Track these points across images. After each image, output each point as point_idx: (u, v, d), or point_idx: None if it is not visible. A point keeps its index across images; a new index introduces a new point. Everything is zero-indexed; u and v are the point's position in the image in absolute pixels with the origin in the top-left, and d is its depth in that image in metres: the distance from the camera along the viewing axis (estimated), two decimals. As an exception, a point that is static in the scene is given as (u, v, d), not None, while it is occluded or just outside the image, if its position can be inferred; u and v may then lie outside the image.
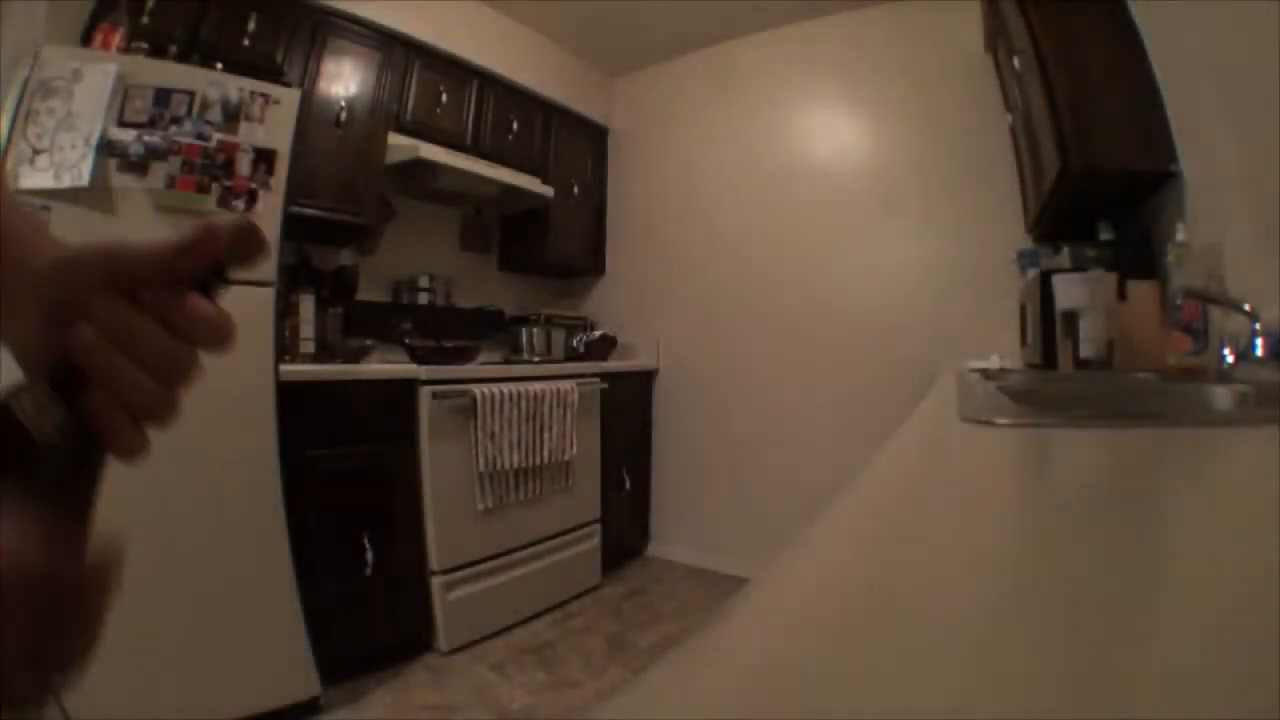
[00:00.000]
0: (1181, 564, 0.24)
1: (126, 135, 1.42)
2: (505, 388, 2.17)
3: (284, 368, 1.66)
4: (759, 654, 0.19)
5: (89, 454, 0.29)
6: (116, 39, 1.58)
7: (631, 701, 0.16)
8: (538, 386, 2.29)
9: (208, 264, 0.31)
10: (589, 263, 3.26)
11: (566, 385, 2.41)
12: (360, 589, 1.83)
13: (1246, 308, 0.99)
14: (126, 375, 0.28)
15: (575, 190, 3.11)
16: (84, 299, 0.29)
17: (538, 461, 2.29)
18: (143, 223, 1.45)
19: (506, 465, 2.17)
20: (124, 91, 1.43)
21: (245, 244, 0.31)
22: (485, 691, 1.82)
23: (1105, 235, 1.77)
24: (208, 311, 0.31)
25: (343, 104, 2.16)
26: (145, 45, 1.61)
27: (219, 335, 0.31)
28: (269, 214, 1.63)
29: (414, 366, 2.06)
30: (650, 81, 3.27)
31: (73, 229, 1.37)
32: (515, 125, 2.80)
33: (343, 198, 2.15)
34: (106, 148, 1.40)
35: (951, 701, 0.14)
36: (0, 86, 1.46)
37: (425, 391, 2.00)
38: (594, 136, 3.29)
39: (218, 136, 1.54)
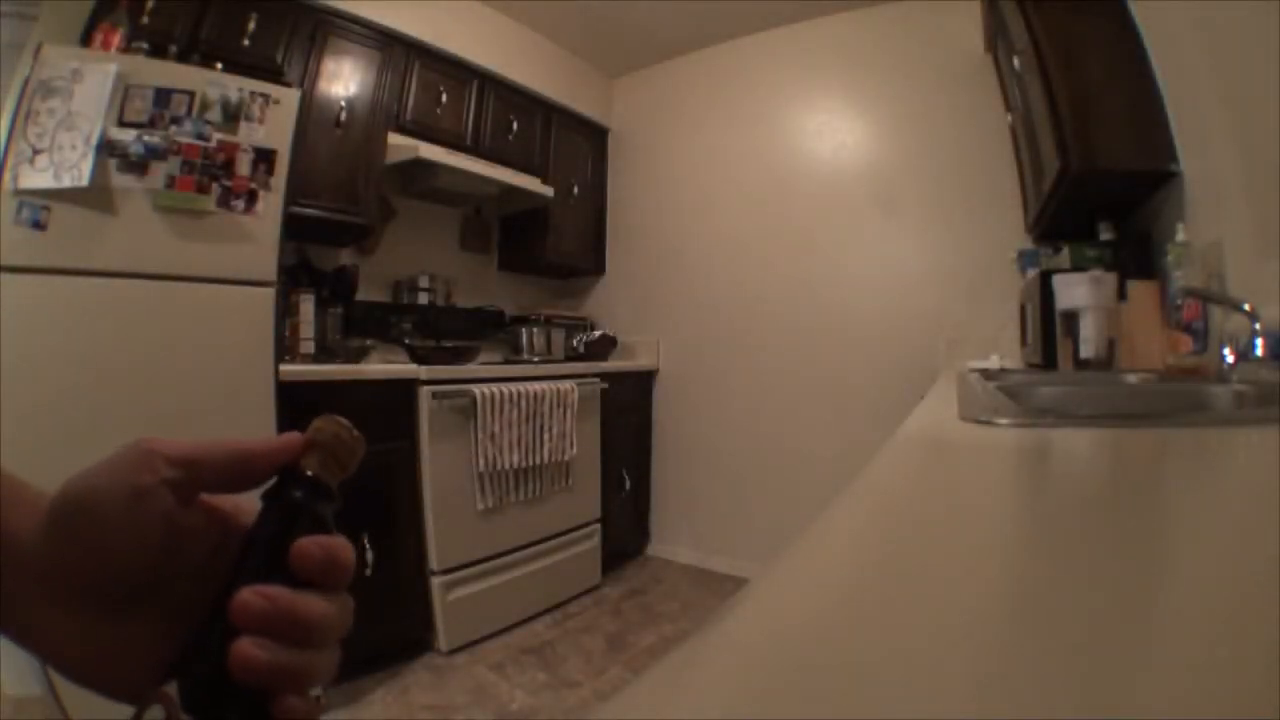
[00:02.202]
0: (1182, 564, 0.24)
1: (126, 135, 1.42)
2: (505, 388, 2.17)
3: (284, 368, 1.66)
4: (759, 654, 0.19)
5: None
6: (116, 39, 1.57)
7: (631, 701, 0.16)
8: (538, 386, 2.29)
9: (273, 468, 0.27)
10: (589, 263, 3.26)
11: (566, 385, 2.41)
12: (360, 589, 1.81)
13: (1246, 308, 0.99)
14: (310, 669, 0.25)
15: (575, 190, 3.11)
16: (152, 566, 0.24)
17: (538, 461, 2.28)
18: (143, 223, 1.45)
19: (506, 465, 2.17)
20: (124, 91, 1.43)
21: (327, 442, 0.28)
22: (485, 691, 1.82)
23: (1105, 235, 1.77)
24: (349, 549, 0.27)
25: (343, 104, 2.16)
26: (145, 45, 1.61)
27: (346, 568, 0.27)
28: (269, 214, 1.63)
29: (414, 366, 2.06)
30: (650, 81, 3.27)
31: (73, 229, 1.38)
32: (515, 125, 2.80)
33: (343, 198, 2.15)
34: (106, 148, 1.39)
35: (952, 701, 0.14)
36: (0, 87, 1.46)
37: (425, 391, 2.00)
38: (594, 136, 3.29)
39: (218, 136, 1.54)
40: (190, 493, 0.26)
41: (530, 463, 2.26)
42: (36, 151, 1.35)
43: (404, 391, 1.99)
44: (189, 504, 0.26)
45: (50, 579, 0.24)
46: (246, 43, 1.91)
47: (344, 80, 2.19)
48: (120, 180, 1.42)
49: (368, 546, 1.84)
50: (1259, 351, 0.98)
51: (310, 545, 0.25)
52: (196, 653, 0.24)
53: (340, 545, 0.26)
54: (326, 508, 0.27)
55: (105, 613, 0.24)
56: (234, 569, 0.25)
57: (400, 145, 2.31)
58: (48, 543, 0.24)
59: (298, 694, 0.24)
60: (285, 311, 1.96)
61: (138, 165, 1.44)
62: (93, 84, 1.39)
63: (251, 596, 0.24)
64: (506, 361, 2.67)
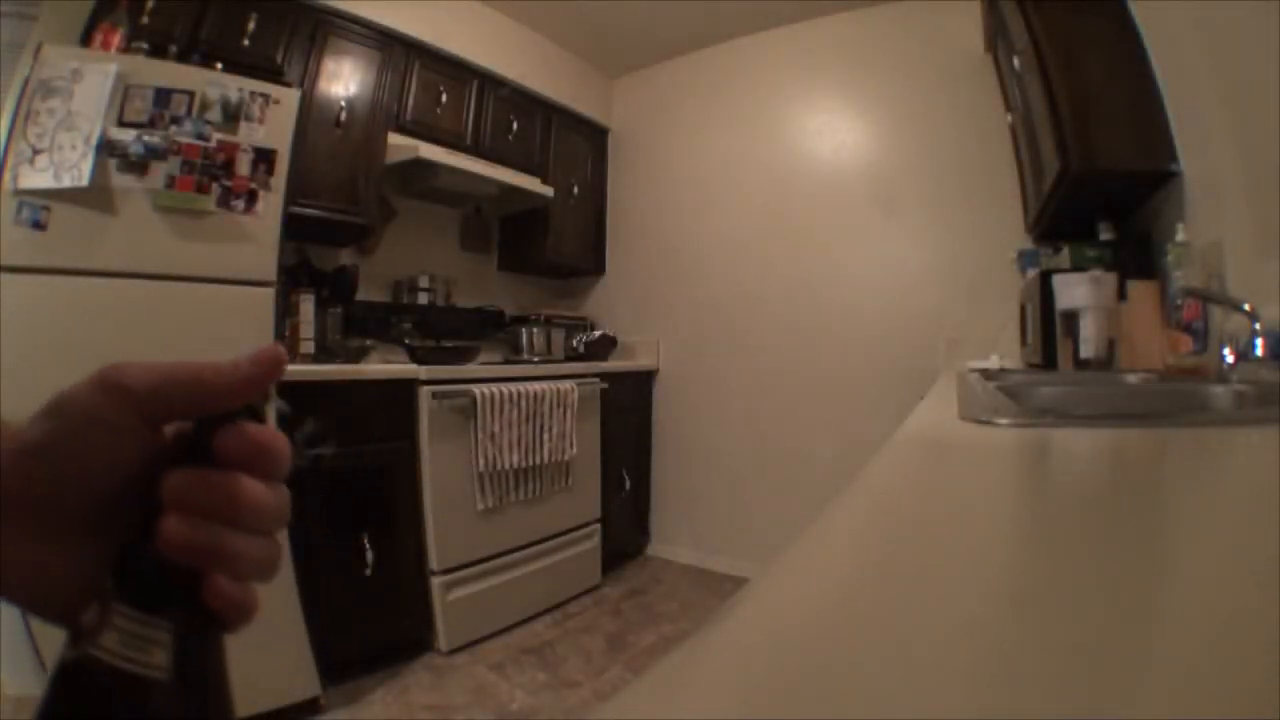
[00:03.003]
0: (1182, 564, 0.24)
1: (126, 135, 1.42)
2: (505, 388, 2.17)
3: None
4: (758, 654, 0.19)
5: (208, 648, 0.24)
6: (116, 39, 1.58)
7: (631, 701, 0.16)
8: (538, 386, 2.29)
9: (273, 382, 0.27)
10: (589, 263, 3.26)
11: (566, 385, 2.41)
12: (360, 589, 1.83)
13: (1246, 308, 0.99)
14: (238, 550, 0.25)
15: (575, 190, 3.11)
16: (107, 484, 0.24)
17: (538, 461, 2.28)
18: (143, 223, 1.45)
19: (506, 465, 2.17)
20: (124, 91, 1.43)
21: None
22: (485, 691, 1.82)
23: (1105, 235, 1.77)
24: (281, 437, 0.27)
25: (343, 104, 2.16)
26: (145, 45, 1.61)
27: (275, 456, 0.26)
28: (269, 214, 1.63)
29: (414, 366, 2.06)
30: (650, 81, 3.27)
31: (73, 229, 1.38)
32: (515, 125, 2.80)
33: (343, 198, 2.15)
34: (106, 148, 1.40)
35: (952, 702, 0.14)
36: (0, 86, 1.46)
37: (425, 391, 2.00)
38: (594, 136, 3.29)
39: (218, 136, 1.54)
40: (157, 425, 0.26)
41: (530, 463, 2.26)
42: (36, 151, 1.35)
43: (404, 391, 1.99)
44: (157, 433, 0.26)
45: (21, 501, 0.23)
46: (246, 43, 1.91)
47: (344, 80, 2.19)
48: (120, 180, 1.43)
49: (368, 546, 1.84)
50: (1259, 351, 0.98)
51: (230, 435, 0.25)
52: (130, 542, 0.24)
53: (267, 433, 0.26)
54: (261, 403, 0.27)
55: (73, 535, 0.24)
56: (169, 462, 0.25)
57: (400, 145, 2.31)
58: (19, 465, 0.23)
59: (230, 577, 0.24)
60: (285, 311, 1.96)
61: (138, 165, 1.44)
62: (93, 84, 1.39)
63: (178, 474, 0.24)
64: (506, 361, 2.67)
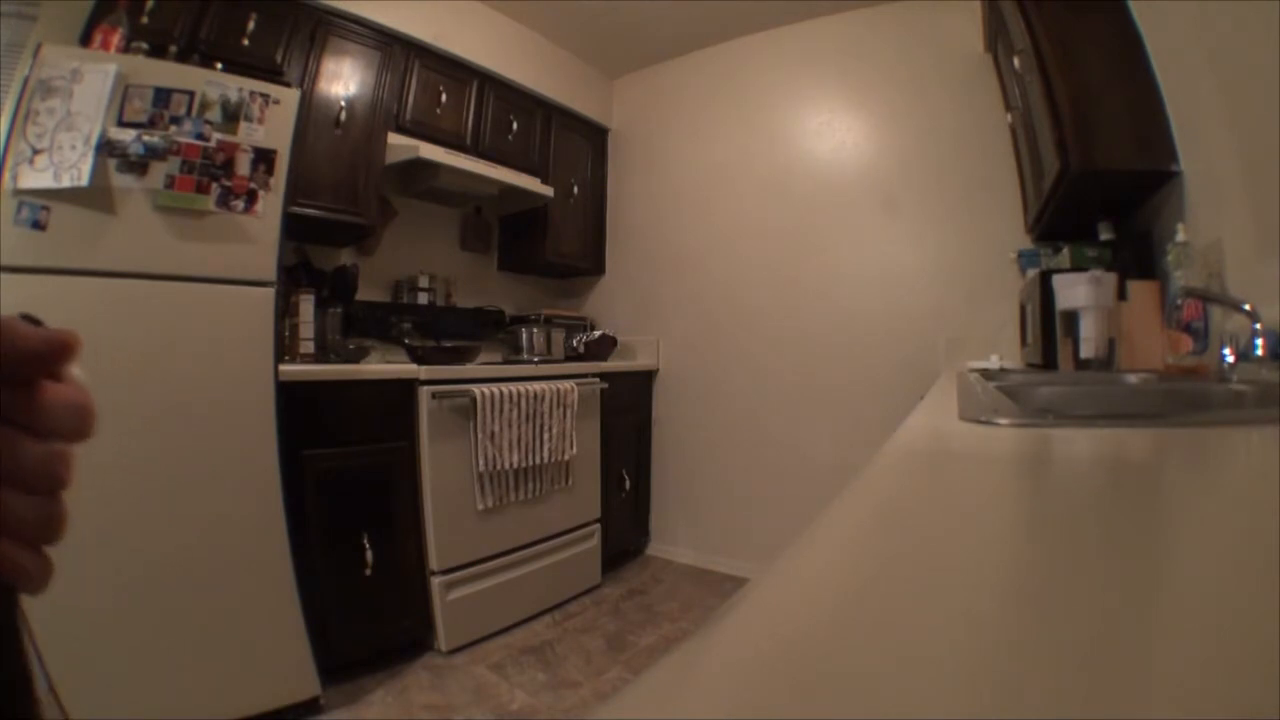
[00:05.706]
0: (1182, 564, 0.24)
1: (126, 135, 1.42)
2: (505, 388, 2.17)
3: (284, 368, 1.66)
4: (758, 654, 0.19)
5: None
6: (116, 39, 1.57)
7: (631, 701, 0.16)
8: (538, 386, 2.29)
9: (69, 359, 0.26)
10: (589, 263, 3.26)
11: (566, 385, 2.41)
12: (360, 589, 1.83)
13: (1246, 308, 0.99)
14: (9, 510, 0.24)
15: (575, 190, 3.11)
16: None
17: (538, 461, 2.29)
18: (142, 223, 1.45)
19: (506, 465, 2.17)
20: (124, 91, 1.43)
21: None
22: (485, 691, 1.82)
23: (1105, 235, 1.77)
24: (72, 395, 0.26)
25: (343, 104, 2.16)
26: (145, 45, 1.61)
27: (85, 420, 0.26)
28: (269, 214, 1.63)
29: (414, 366, 2.06)
30: (650, 81, 3.27)
31: (73, 229, 1.38)
32: (515, 125, 2.80)
33: (343, 198, 2.15)
34: (106, 147, 1.39)
35: (951, 703, 0.14)
36: (0, 87, 1.46)
37: (425, 391, 2.00)
38: (594, 136, 3.29)
39: (217, 136, 1.54)
40: None
41: (530, 463, 2.26)
42: (36, 151, 1.35)
43: (404, 391, 1.99)
44: None
45: None
46: (246, 43, 1.91)
47: (344, 80, 2.19)
48: (120, 180, 1.42)
49: (368, 546, 1.85)
50: (1259, 351, 0.98)
51: None
52: None
53: (45, 389, 0.25)
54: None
55: None
56: None
57: (400, 145, 2.31)
58: None
59: (7, 538, 0.24)
60: (285, 311, 1.97)
61: (137, 165, 1.44)
62: (93, 84, 1.39)
63: None
64: (506, 361, 2.67)
